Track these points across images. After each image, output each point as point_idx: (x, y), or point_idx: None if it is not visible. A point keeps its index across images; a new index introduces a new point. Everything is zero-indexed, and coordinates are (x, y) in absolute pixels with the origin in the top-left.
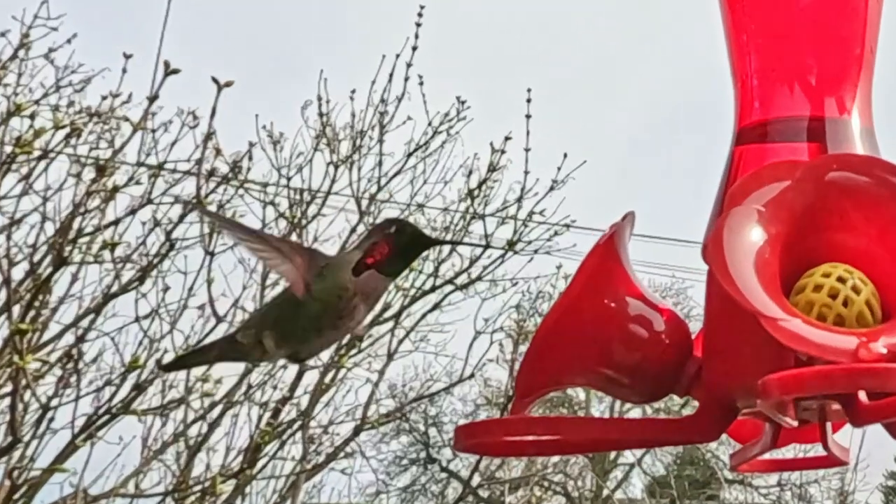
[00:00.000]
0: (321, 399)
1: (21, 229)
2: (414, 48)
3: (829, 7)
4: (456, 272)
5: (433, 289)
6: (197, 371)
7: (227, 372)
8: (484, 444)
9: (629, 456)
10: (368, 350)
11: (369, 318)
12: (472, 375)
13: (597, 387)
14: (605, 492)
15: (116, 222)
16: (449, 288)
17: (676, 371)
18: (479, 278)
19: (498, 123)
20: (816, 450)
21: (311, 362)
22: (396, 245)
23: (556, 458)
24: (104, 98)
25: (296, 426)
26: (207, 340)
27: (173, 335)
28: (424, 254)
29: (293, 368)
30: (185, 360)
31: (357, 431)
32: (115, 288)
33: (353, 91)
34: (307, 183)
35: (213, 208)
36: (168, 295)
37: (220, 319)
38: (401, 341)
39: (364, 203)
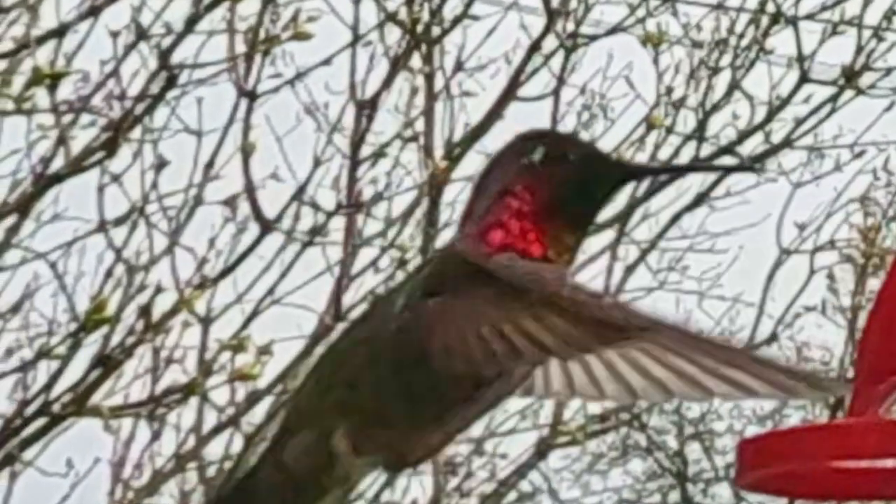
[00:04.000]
0: None
1: None
2: None
3: None
4: (740, 132)
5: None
6: (219, 328)
7: (280, 333)
8: (795, 476)
9: None
10: None
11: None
12: (773, 338)
13: None
14: None
15: (61, 32)
16: (726, 162)
17: None
18: (786, 143)
19: None
20: None
21: None
22: (562, 185)
23: None
24: None
25: None
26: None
27: (175, 257)
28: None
29: None
30: None
31: (542, 452)
32: (58, 163)
33: None
34: None
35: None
36: (163, 177)
37: (267, 227)
38: (631, 269)
39: None
